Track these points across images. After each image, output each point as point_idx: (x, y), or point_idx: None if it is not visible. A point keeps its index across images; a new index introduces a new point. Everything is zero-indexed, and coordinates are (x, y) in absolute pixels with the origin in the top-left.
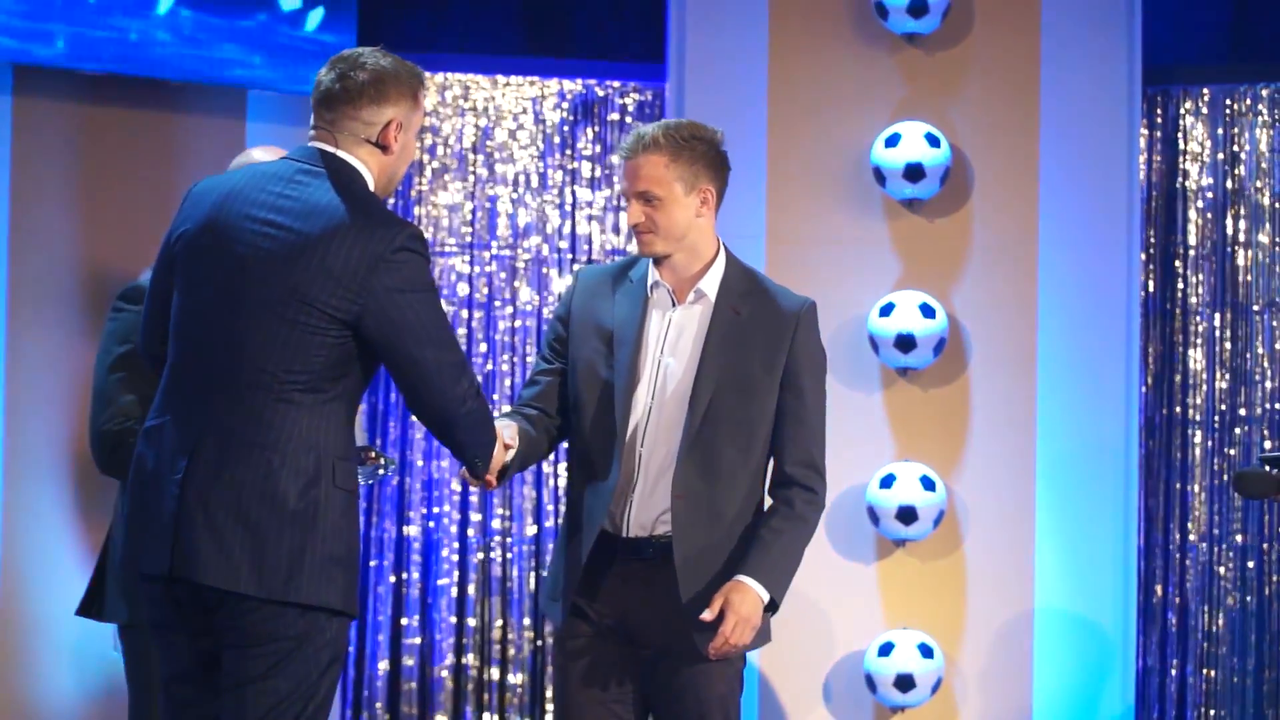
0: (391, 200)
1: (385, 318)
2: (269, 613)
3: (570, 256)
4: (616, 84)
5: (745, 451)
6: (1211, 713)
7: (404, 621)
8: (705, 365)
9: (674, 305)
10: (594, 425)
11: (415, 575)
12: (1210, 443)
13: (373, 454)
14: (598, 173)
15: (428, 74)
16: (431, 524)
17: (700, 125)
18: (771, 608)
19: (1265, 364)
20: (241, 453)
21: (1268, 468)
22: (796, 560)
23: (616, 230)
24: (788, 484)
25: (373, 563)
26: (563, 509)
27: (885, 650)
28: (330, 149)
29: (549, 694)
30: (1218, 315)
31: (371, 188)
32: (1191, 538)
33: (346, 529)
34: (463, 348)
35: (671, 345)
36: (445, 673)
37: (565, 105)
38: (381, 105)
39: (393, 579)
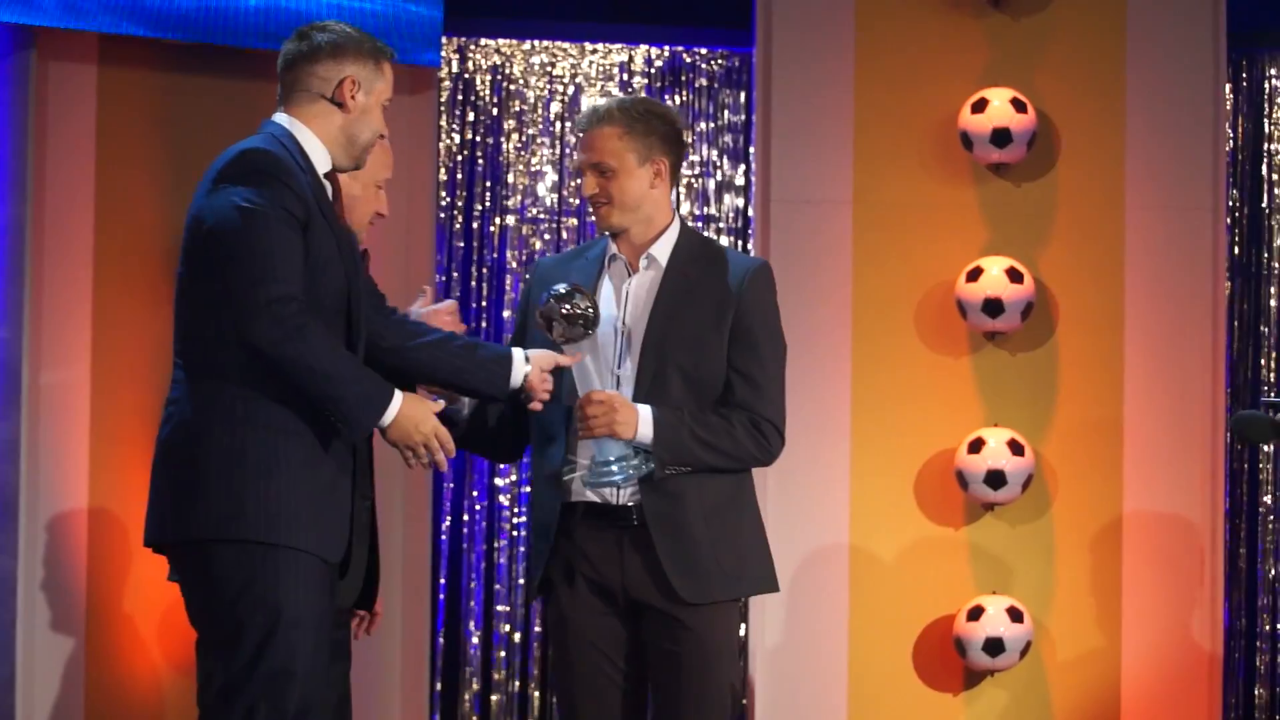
0: (480, 164)
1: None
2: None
3: None
4: (703, 50)
5: (699, 408)
6: None
7: (496, 588)
8: (653, 326)
9: (629, 275)
10: (558, 400)
11: (504, 544)
12: None
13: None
14: (686, 139)
15: (514, 41)
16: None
17: (655, 101)
18: (657, 462)
19: None
20: (196, 408)
21: (1270, 412)
22: (701, 439)
23: (705, 199)
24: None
25: (464, 530)
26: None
27: (974, 614)
28: (280, 118)
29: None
30: None
31: (318, 148)
32: (1277, 499)
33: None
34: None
35: (632, 314)
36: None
37: (652, 72)
38: (339, 61)
39: (483, 547)
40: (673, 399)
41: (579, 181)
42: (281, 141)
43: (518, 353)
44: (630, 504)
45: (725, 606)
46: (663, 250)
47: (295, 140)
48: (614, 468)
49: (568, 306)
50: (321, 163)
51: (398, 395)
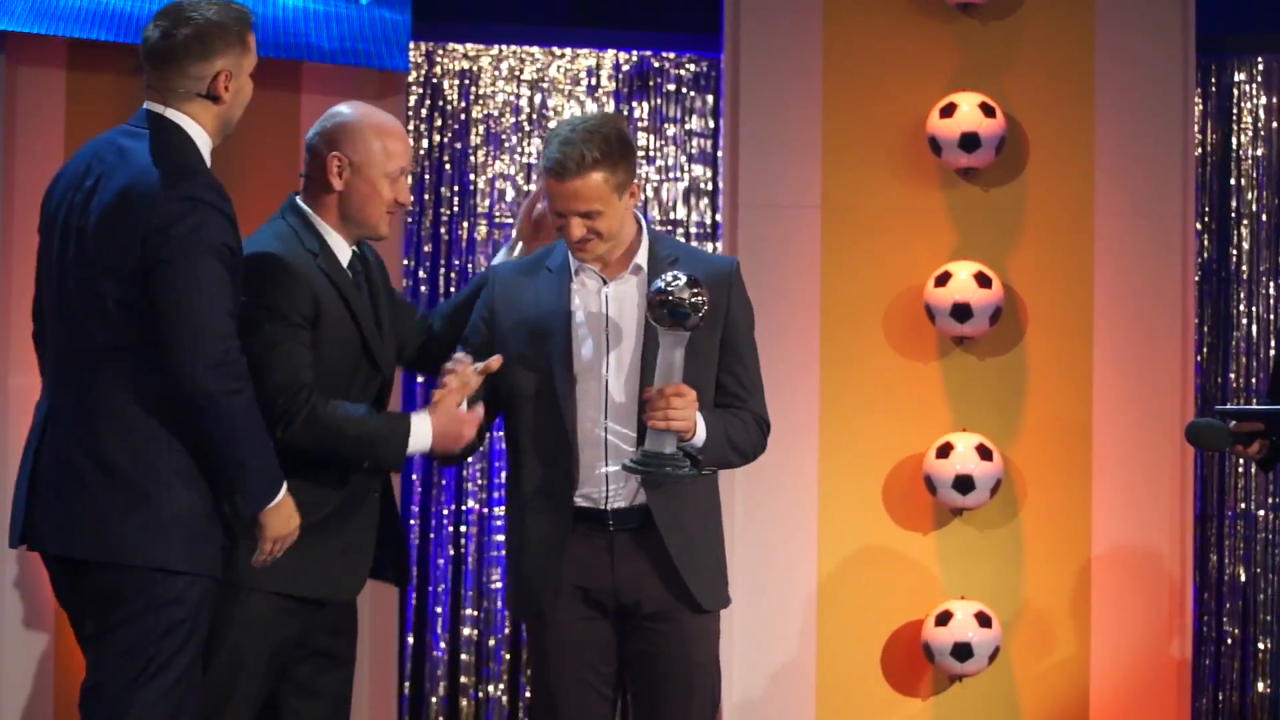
0: (447, 168)
1: (161, 270)
2: (110, 575)
3: None
4: (671, 55)
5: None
6: (1270, 681)
7: (464, 592)
8: (651, 333)
9: (605, 282)
10: (543, 414)
11: (471, 548)
12: None
13: None
14: (653, 144)
15: (481, 46)
16: (496, 494)
17: (618, 119)
18: (694, 461)
19: None
20: (77, 419)
21: (1225, 420)
22: (733, 441)
23: (673, 204)
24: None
25: (430, 535)
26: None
27: (943, 620)
28: (159, 109)
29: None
30: (1272, 284)
31: (203, 138)
32: (1245, 506)
33: (186, 488)
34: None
35: (614, 321)
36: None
37: (620, 77)
38: (209, 59)
39: (451, 551)
40: None
41: (553, 221)
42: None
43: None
44: (624, 507)
45: (716, 613)
46: (643, 257)
47: (193, 142)
48: (668, 466)
49: (696, 295)
50: (207, 155)
51: (285, 485)
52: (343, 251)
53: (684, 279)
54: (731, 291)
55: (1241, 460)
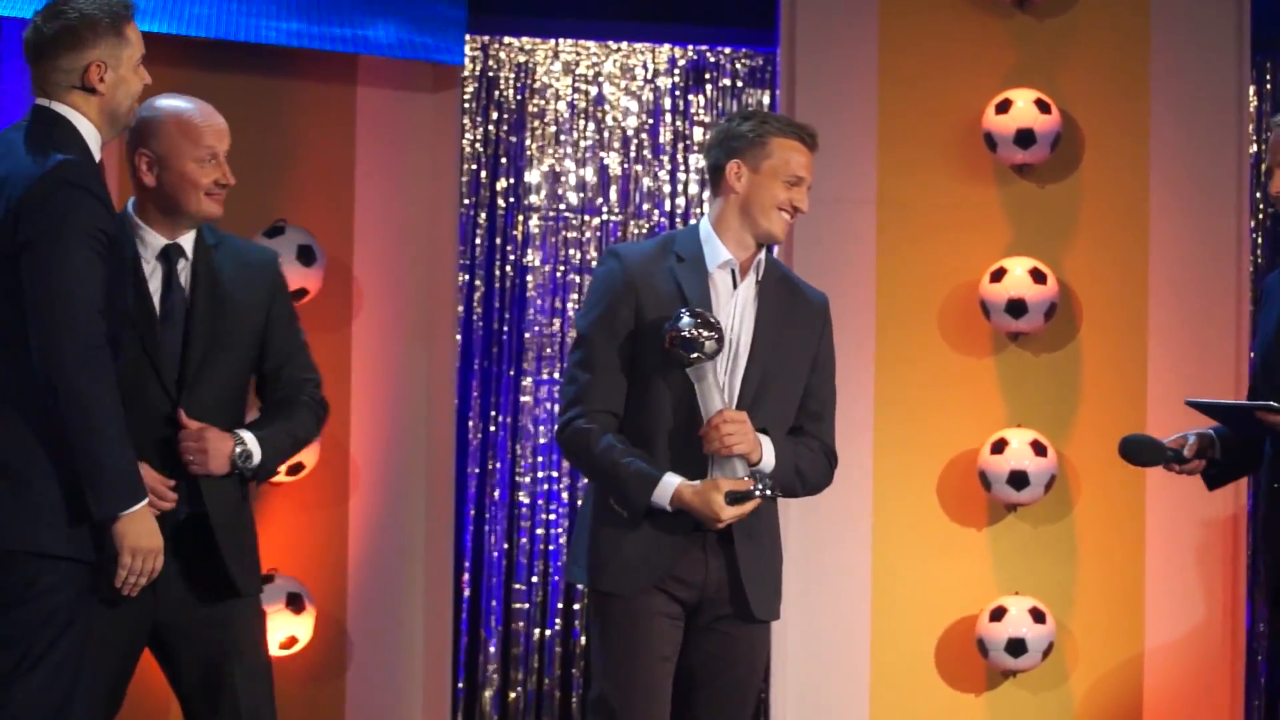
0: (503, 162)
1: (30, 251)
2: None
3: (680, 223)
4: (727, 50)
5: (782, 430)
6: None
7: (516, 587)
8: (760, 340)
9: (735, 285)
10: (677, 404)
11: (525, 541)
12: None
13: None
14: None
15: (538, 40)
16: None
17: None
18: (763, 494)
19: None
20: None
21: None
22: (800, 469)
23: None
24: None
25: (486, 529)
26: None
27: (997, 615)
28: (44, 102)
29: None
30: None
31: (88, 129)
32: None
33: (68, 473)
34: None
35: (739, 324)
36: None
37: (676, 71)
38: (78, 51)
39: (506, 545)
40: (766, 418)
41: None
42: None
43: None
44: None
45: (769, 625)
46: (761, 264)
47: (78, 133)
48: (755, 488)
49: (712, 336)
50: (95, 147)
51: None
52: (155, 243)
53: (686, 316)
54: (825, 325)
55: None
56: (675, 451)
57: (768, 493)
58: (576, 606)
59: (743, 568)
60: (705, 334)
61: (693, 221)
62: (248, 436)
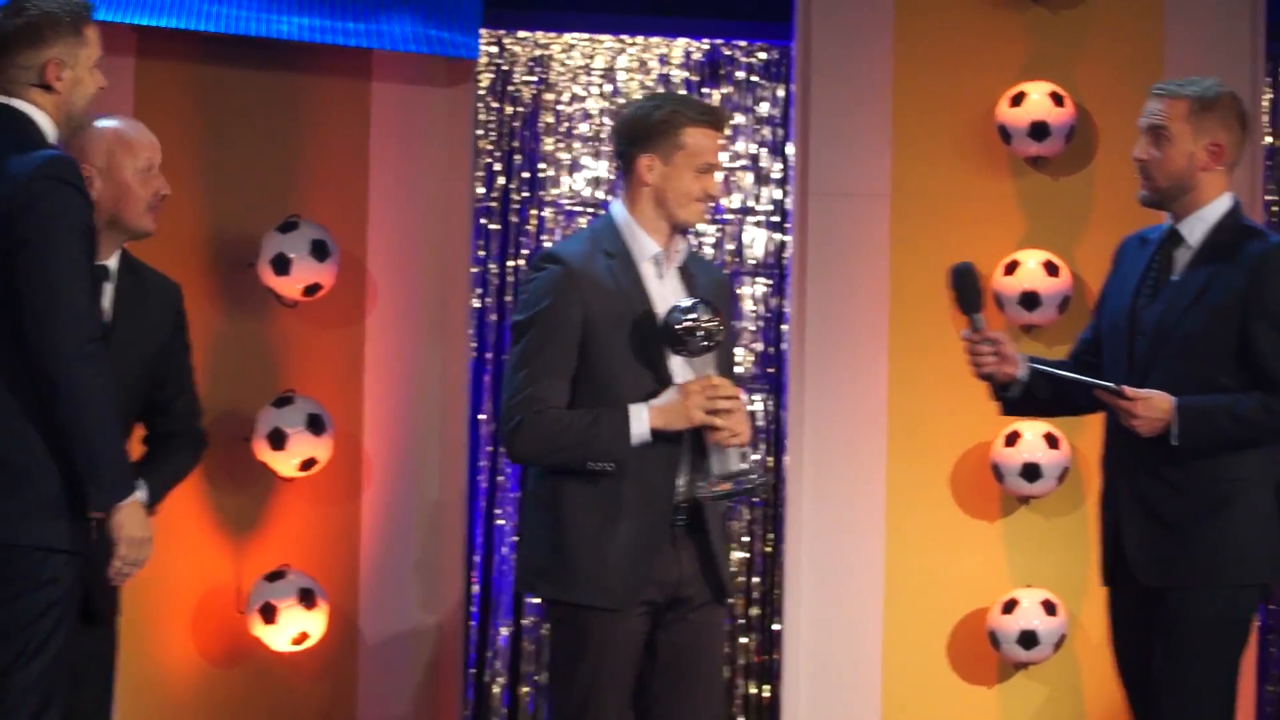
0: (517, 157)
1: (28, 249)
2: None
3: None
4: (743, 43)
5: None
6: None
7: None
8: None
9: (660, 275)
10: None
11: None
12: None
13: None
14: (725, 132)
15: (553, 34)
16: None
17: None
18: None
19: None
20: None
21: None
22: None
23: (744, 192)
24: None
25: (499, 524)
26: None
27: (1009, 607)
28: (4, 99)
29: None
30: None
31: (48, 126)
32: None
33: (64, 466)
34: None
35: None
36: None
37: (691, 65)
38: (37, 48)
39: (516, 540)
40: None
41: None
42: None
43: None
44: (680, 501)
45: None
46: (681, 247)
47: (41, 129)
48: (751, 476)
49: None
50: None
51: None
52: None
53: (685, 304)
54: (734, 299)
55: None
56: (644, 451)
57: (761, 478)
58: None
59: (715, 551)
60: (716, 323)
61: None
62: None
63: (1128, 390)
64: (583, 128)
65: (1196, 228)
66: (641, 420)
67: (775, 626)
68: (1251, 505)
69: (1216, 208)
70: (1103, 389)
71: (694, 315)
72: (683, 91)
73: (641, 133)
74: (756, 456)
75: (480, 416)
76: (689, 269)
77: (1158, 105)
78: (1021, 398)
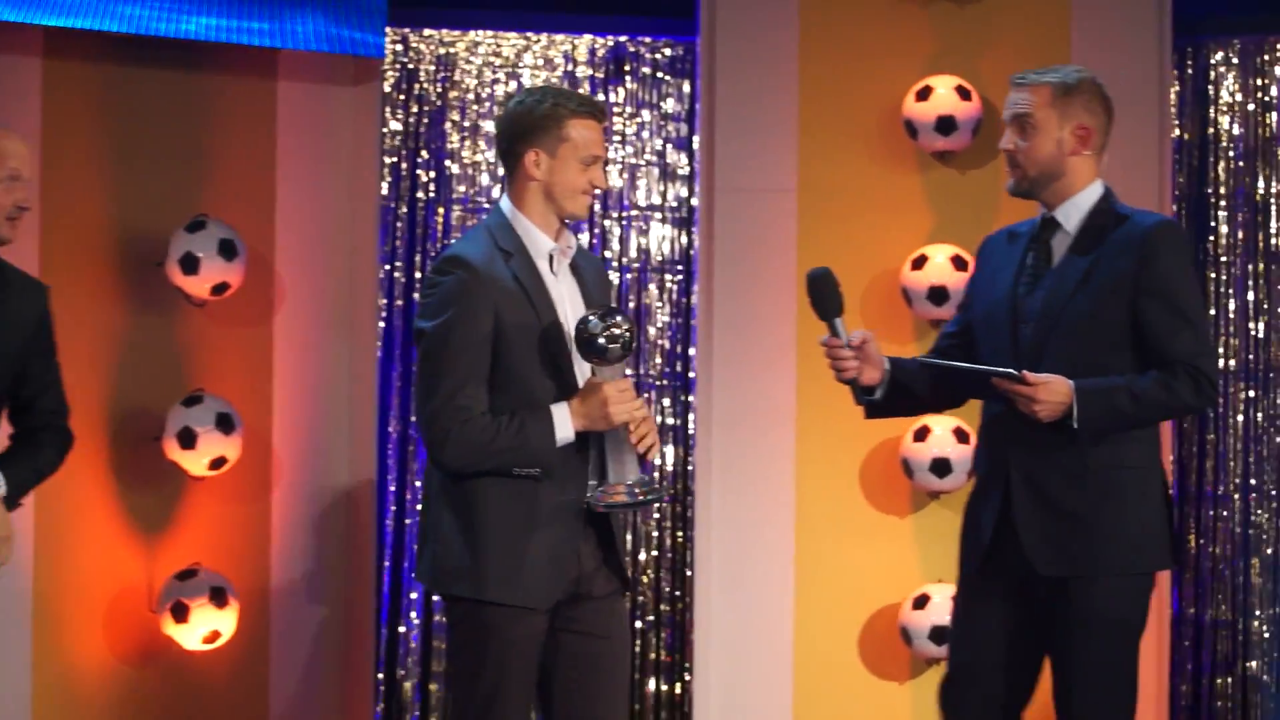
0: (423, 155)
1: None
2: None
3: (601, 213)
4: (647, 40)
5: None
6: (1253, 664)
7: None
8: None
9: (555, 271)
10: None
11: None
12: (1244, 391)
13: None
14: (630, 128)
15: (457, 32)
16: None
17: None
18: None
19: None
20: None
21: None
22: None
23: (650, 189)
24: None
25: (408, 521)
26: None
27: (920, 603)
28: None
29: None
30: (1250, 265)
31: None
32: (1224, 488)
33: None
34: None
35: (570, 306)
36: None
37: (596, 61)
38: None
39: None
40: None
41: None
42: None
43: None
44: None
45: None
46: (571, 241)
47: None
48: (650, 487)
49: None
50: None
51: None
52: None
53: (600, 313)
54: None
55: (1224, 442)
56: (562, 451)
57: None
58: None
59: (616, 543)
60: (628, 330)
61: (615, 210)
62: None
63: (1029, 376)
64: (489, 125)
65: (1072, 214)
66: (565, 422)
67: (686, 624)
68: (1145, 492)
69: (1090, 194)
70: (1002, 375)
71: (611, 324)
72: (587, 90)
73: (525, 128)
74: (657, 462)
75: (389, 414)
76: (578, 263)
77: (1020, 95)
78: (889, 398)
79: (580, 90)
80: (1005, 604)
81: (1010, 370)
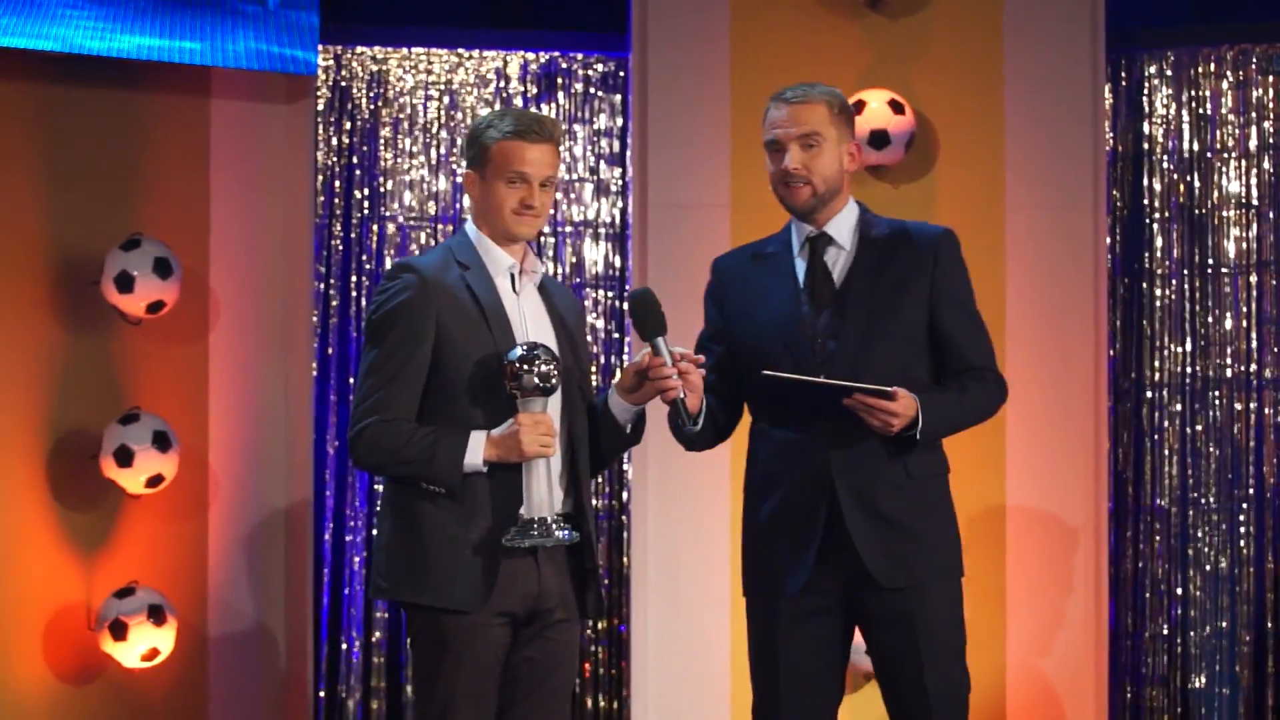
0: (357, 172)
1: None
2: None
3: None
4: (580, 56)
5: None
6: (1198, 681)
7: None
8: (563, 349)
9: (516, 289)
10: (490, 418)
11: None
12: (1180, 405)
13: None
14: (562, 145)
15: (390, 49)
16: None
17: None
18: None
19: (1232, 325)
20: None
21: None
22: None
23: (583, 204)
24: None
25: (347, 538)
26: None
27: None
28: None
29: None
30: (1185, 277)
31: None
32: (1161, 501)
33: None
34: None
35: (533, 326)
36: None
37: (529, 77)
38: None
39: (365, 554)
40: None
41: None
42: None
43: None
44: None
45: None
46: (538, 266)
47: None
48: (563, 525)
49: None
50: None
51: None
52: None
53: (527, 347)
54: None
55: (1159, 455)
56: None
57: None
58: None
59: (588, 567)
60: (553, 368)
61: (548, 225)
62: None
63: (897, 391)
64: (421, 142)
65: (842, 229)
66: (478, 449)
67: (624, 639)
68: (949, 498)
69: (853, 208)
70: (866, 391)
71: (534, 357)
72: (520, 105)
73: (467, 150)
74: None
75: (326, 431)
76: (547, 288)
77: (801, 113)
78: (705, 428)
79: (529, 109)
80: (828, 621)
81: (876, 387)
